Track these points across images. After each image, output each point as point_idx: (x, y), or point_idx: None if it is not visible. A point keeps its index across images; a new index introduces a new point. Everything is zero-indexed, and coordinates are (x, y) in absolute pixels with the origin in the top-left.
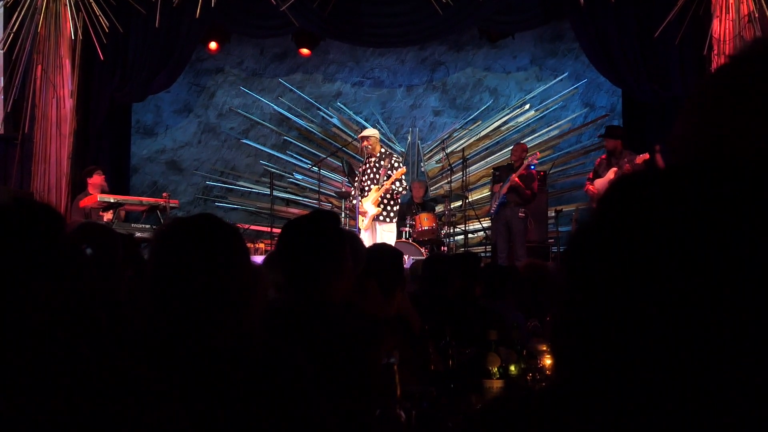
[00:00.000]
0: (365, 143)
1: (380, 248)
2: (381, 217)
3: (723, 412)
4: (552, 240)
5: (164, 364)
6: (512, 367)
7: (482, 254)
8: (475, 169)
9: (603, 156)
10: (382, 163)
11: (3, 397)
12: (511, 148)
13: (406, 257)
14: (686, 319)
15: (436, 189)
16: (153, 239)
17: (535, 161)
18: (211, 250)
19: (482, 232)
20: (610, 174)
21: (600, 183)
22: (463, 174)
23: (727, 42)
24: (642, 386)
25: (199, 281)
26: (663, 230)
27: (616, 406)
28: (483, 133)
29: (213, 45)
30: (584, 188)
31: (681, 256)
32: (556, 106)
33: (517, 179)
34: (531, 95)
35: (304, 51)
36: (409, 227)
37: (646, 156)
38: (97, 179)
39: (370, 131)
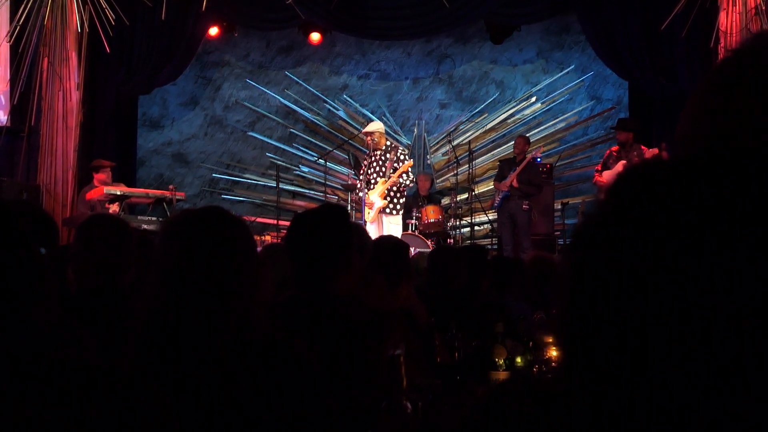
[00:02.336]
0: (369, 138)
1: (386, 240)
2: (387, 210)
3: (730, 407)
4: (558, 232)
5: (170, 356)
6: (518, 359)
7: (488, 246)
8: (482, 161)
9: (614, 148)
10: (387, 155)
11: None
12: None
13: (412, 249)
14: (689, 311)
15: (443, 182)
16: (161, 231)
17: (539, 155)
18: (219, 242)
19: (488, 225)
20: (619, 166)
21: (608, 175)
22: (469, 166)
23: (734, 35)
24: (648, 379)
25: (207, 273)
26: (668, 223)
27: (622, 399)
28: (489, 126)
29: (213, 30)
30: (593, 180)
31: (687, 249)
32: (563, 98)
33: (515, 183)
34: (537, 88)
35: (314, 37)
36: (416, 220)
37: (656, 151)
38: (102, 176)
39: (373, 126)
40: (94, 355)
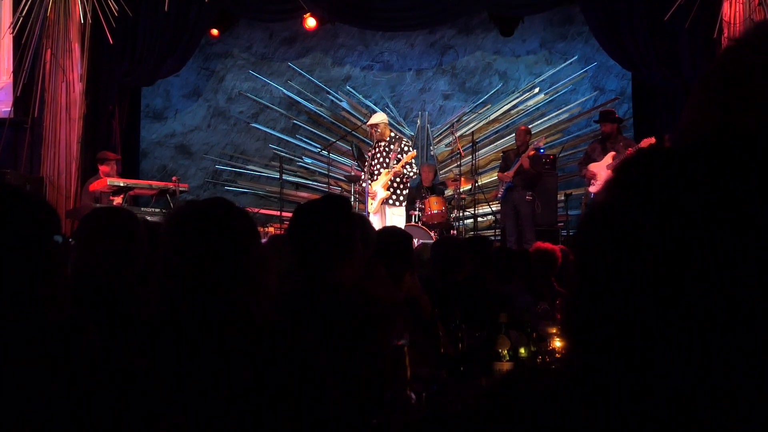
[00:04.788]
0: (374, 130)
1: (389, 231)
2: (390, 201)
3: (736, 402)
4: (561, 223)
5: (175, 347)
6: (522, 350)
7: (492, 238)
8: (485, 152)
9: (596, 141)
10: (392, 147)
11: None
12: None
13: (415, 241)
14: (696, 300)
15: (446, 173)
16: (165, 222)
17: (542, 145)
18: (223, 233)
19: (491, 216)
20: (608, 158)
21: (597, 167)
22: (472, 158)
23: (738, 25)
24: (654, 369)
25: (211, 264)
26: (674, 210)
27: (627, 389)
28: (492, 117)
29: (214, 31)
30: (580, 172)
31: (692, 236)
32: (566, 89)
33: (527, 162)
34: (540, 79)
35: (310, 23)
36: (419, 211)
37: (652, 140)
38: (107, 168)
39: (377, 118)
40: (99, 347)
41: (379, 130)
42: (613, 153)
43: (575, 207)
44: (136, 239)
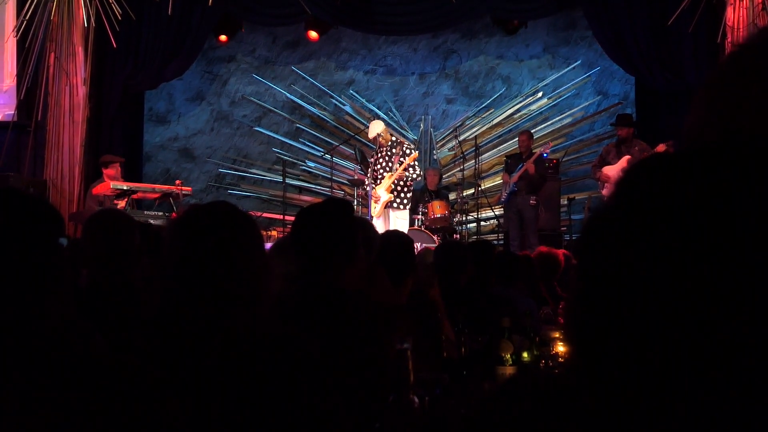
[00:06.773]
0: (378, 138)
1: (391, 235)
2: (394, 204)
3: (740, 405)
4: (564, 228)
5: (178, 350)
6: (525, 354)
7: (495, 242)
8: (488, 156)
9: (611, 144)
10: (394, 150)
11: (6, 395)
12: None
13: (417, 245)
14: (700, 304)
15: (449, 177)
16: (169, 226)
17: (547, 151)
18: (227, 237)
19: (494, 220)
20: (623, 162)
21: (611, 170)
22: (475, 162)
23: (741, 30)
24: (657, 374)
25: (214, 268)
26: (677, 214)
27: (630, 394)
28: (496, 121)
29: (223, 37)
30: (594, 175)
31: (696, 241)
32: (569, 94)
33: (532, 168)
34: (544, 83)
35: (313, 35)
36: (422, 215)
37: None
38: (111, 171)
39: (378, 127)
40: (103, 350)
41: (384, 136)
42: (628, 157)
43: (578, 211)
44: (129, 240)
